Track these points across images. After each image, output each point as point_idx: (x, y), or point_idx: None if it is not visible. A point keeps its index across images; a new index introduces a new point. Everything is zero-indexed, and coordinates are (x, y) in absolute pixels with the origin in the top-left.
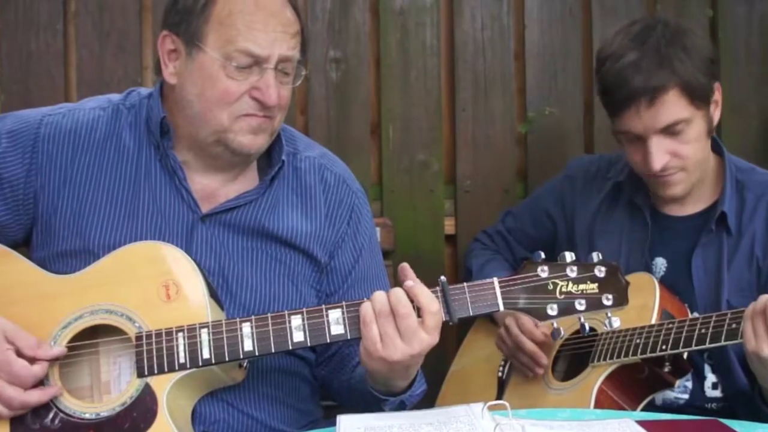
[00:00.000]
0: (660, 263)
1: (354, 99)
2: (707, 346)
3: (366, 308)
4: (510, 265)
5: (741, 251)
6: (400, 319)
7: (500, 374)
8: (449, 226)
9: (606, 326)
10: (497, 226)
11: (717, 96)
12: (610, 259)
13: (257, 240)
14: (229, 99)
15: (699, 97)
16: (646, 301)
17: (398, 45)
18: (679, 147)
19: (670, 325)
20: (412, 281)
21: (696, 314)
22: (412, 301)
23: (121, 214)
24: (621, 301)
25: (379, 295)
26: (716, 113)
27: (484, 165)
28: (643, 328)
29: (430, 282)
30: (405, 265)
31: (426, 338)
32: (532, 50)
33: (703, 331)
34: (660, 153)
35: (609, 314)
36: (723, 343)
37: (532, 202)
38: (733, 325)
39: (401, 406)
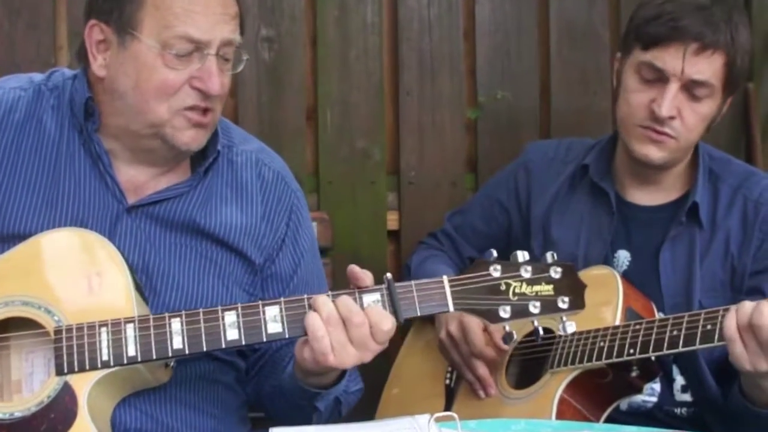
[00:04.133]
0: (623, 257)
1: (288, 82)
2: (680, 349)
3: (314, 320)
4: (455, 264)
5: (715, 247)
6: (353, 328)
7: (448, 381)
8: (392, 221)
9: (560, 331)
10: (443, 226)
11: (729, 101)
12: (568, 249)
13: (187, 236)
14: (168, 90)
15: (732, 81)
16: (608, 299)
17: (336, 23)
18: (689, 112)
19: (638, 327)
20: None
21: (662, 314)
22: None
23: (39, 201)
24: (577, 304)
25: (325, 303)
26: (721, 113)
27: (430, 154)
28: (606, 329)
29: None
30: (354, 269)
31: (376, 347)
32: (483, 28)
33: (674, 333)
34: (673, 102)
35: (564, 318)
36: (698, 346)
37: (483, 195)
38: (708, 326)
39: (336, 404)
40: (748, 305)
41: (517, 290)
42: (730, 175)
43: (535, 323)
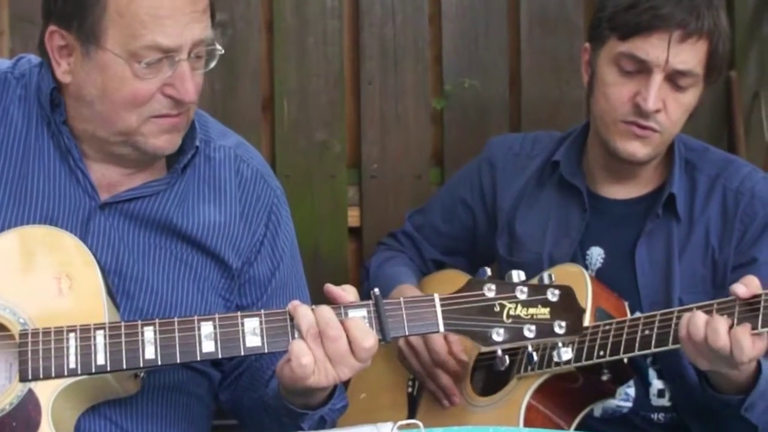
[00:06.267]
0: (596, 254)
1: (242, 69)
2: (652, 350)
3: (300, 345)
4: (416, 266)
5: (694, 241)
6: (328, 342)
7: (410, 390)
8: (353, 217)
9: (556, 358)
10: (403, 226)
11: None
12: (533, 248)
13: (162, 236)
14: (139, 102)
15: (715, 68)
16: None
17: (294, 6)
18: (674, 103)
19: (608, 327)
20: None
21: (638, 314)
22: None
23: (5, 197)
24: (574, 329)
25: (305, 314)
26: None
27: (393, 146)
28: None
29: (332, 283)
30: (331, 288)
31: (356, 364)
32: (450, 13)
33: (646, 332)
34: (659, 94)
35: (560, 344)
36: (671, 346)
37: (444, 193)
38: None
39: (321, 423)
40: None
41: (511, 312)
42: (708, 164)
43: (529, 349)
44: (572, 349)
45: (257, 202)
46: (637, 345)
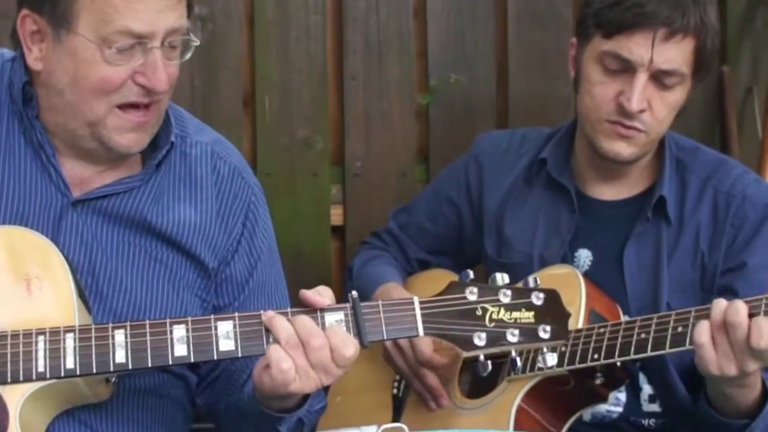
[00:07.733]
0: (584, 256)
1: (223, 64)
2: (648, 354)
3: (278, 352)
4: (400, 265)
5: (683, 244)
6: (312, 352)
7: (395, 391)
8: (336, 215)
9: (540, 363)
10: (387, 224)
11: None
12: (522, 249)
13: (136, 234)
14: (109, 88)
15: (703, 65)
16: (570, 300)
17: (275, 1)
18: (659, 103)
19: (602, 330)
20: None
21: (626, 317)
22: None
23: None
24: (560, 334)
25: (283, 326)
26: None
27: (377, 143)
28: (569, 333)
29: (315, 284)
30: (305, 294)
31: (338, 371)
32: (435, 6)
33: (642, 336)
34: (643, 94)
35: (545, 349)
36: (668, 350)
37: (430, 192)
38: (679, 329)
39: (299, 425)
40: (722, 303)
41: (494, 316)
42: (699, 166)
43: (513, 354)
44: (558, 354)
45: (234, 200)
46: (632, 349)
